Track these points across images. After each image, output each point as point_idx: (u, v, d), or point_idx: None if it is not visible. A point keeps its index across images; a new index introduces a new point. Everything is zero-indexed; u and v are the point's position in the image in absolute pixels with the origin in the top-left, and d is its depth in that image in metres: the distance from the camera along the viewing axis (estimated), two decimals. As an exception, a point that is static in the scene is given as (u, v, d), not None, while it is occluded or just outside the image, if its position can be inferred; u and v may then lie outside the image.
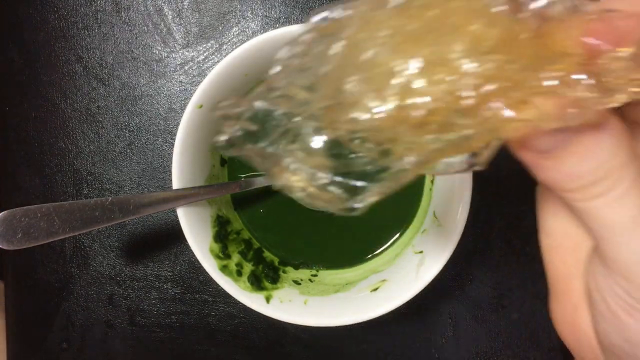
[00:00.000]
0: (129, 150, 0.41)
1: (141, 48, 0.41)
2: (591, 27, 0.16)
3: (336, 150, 0.16)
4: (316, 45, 0.16)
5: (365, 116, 0.14)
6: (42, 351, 0.42)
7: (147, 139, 0.41)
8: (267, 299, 0.33)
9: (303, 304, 0.34)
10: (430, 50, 0.14)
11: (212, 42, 0.41)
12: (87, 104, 0.41)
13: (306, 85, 0.16)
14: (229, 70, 0.31)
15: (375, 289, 0.34)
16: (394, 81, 0.14)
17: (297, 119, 0.16)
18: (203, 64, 0.41)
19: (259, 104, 0.16)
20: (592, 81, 0.15)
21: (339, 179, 0.16)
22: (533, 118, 0.15)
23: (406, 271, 0.34)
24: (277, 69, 0.16)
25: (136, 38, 0.41)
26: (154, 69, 0.41)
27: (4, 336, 0.43)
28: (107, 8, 0.41)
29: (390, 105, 0.14)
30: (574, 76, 0.15)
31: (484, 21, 0.15)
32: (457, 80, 0.14)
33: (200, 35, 0.41)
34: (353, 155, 0.16)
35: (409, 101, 0.14)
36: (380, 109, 0.14)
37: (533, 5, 0.15)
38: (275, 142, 0.16)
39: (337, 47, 0.15)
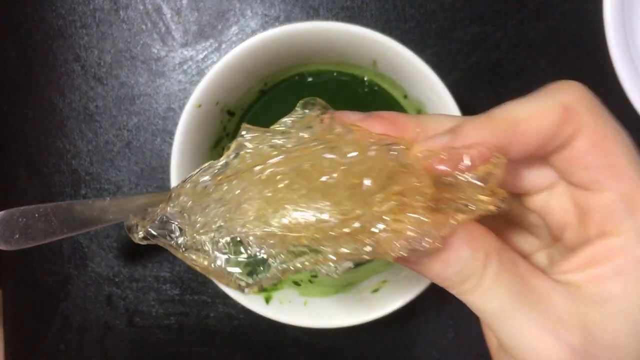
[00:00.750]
0: (127, 150, 0.41)
1: (140, 47, 0.41)
2: (439, 158, 0.19)
3: (236, 246, 0.21)
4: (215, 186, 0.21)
5: (255, 232, 0.20)
6: (40, 352, 0.42)
7: (146, 138, 0.41)
8: (267, 300, 0.33)
9: (303, 305, 0.34)
10: (299, 198, 0.19)
11: (211, 40, 0.41)
12: (85, 103, 0.41)
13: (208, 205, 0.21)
14: (228, 69, 0.31)
15: (376, 290, 0.34)
16: (277, 218, 0.19)
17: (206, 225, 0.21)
18: (202, 63, 0.41)
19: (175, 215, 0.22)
20: (425, 219, 0.19)
21: (235, 268, 0.21)
22: (383, 250, 0.19)
23: (407, 272, 0.34)
24: (188, 185, 0.21)
25: (134, 37, 0.41)
26: (152, 68, 0.41)
27: (2, 337, 0.43)
28: (105, 6, 0.41)
29: (266, 229, 0.20)
30: (410, 214, 0.19)
31: (341, 173, 0.19)
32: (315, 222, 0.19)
33: (199, 34, 0.41)
34: (248, 252, 0.20)
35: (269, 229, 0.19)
36: (265, 229, 0.20)
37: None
38: (187, 237, 0.21)
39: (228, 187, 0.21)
